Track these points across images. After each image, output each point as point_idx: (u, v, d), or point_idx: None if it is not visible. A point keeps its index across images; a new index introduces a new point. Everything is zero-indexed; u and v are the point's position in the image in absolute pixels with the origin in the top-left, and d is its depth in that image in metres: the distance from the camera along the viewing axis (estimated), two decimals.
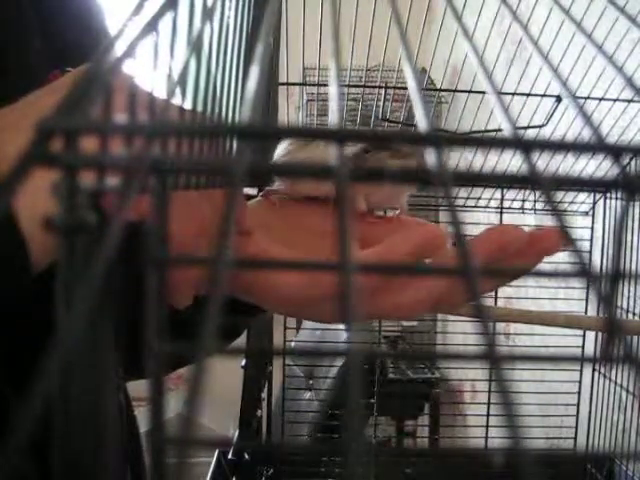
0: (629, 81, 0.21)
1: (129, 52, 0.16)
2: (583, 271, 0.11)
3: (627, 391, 1.19)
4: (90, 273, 0.10)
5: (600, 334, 1.28)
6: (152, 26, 0.18)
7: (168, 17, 0.19)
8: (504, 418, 0.08)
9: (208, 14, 0.23)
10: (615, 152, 0.13)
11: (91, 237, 0.14)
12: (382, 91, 1.09)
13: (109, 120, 0.14)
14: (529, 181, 0.12)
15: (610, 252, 1.25)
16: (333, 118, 0.13)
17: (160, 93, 0.19)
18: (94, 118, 0.14)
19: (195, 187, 0.25)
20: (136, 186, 0.12)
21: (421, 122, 0.14)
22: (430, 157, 0.13)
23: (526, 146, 0.13)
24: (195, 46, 0.21)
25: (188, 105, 0.24)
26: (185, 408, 0.08)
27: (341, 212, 0.11)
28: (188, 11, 0.23)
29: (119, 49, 0.16)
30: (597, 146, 0.14)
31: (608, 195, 1.26)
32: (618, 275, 0.13)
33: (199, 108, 0.26)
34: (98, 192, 0.14)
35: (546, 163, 1.13)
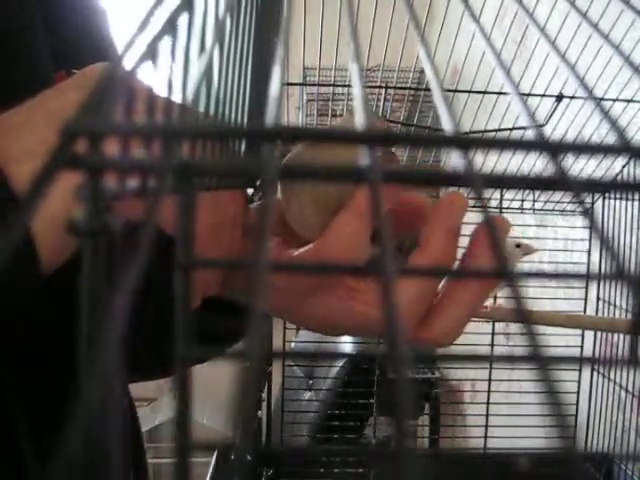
0: (636, 69, 0.21)
1: (148, 54, 0.16)
2: (619, 273, 0.11)
3: (626, 391, 1.19)
4: (124, 282, 0.10)
5: (599, 334, 1.29)
6: (169, 29, 0.18)
7: (184, 18, 0.19)
8: (553, 419, 0.08)
9: (219, 29, 0.23)
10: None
11: (114, 240, 0.14)
12: (382, 91, 1.09)
13: (132, 123, 0.14)
14: (558, 183, 0.12)
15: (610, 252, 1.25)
16: (360, 119, 0.13)
17: (175, 97, 0.19)
18: (116, 121, 0.14)
19: (210, 189, 0.25)
20: (163, 189, 0.12)
21: (446, 124, 0.14)
22: (457, 160, 0.13)
23: (554, 148, 0.13)
24: (210, 54, 0.21)
25: (202, 109, 0.24)
26: (234, 412, 0.08)
27: (376, 214, 0.11)
28: (202, 16, 0.23)
29: (136, 52, 0.16)
30: (623, 147, 0.14)
31: (607, 195, 1.26)
32: None
33: (212, 112, 0.26)
34: (120, 195, 0.14)
35: (545, 163, 1.12)
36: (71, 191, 0.13)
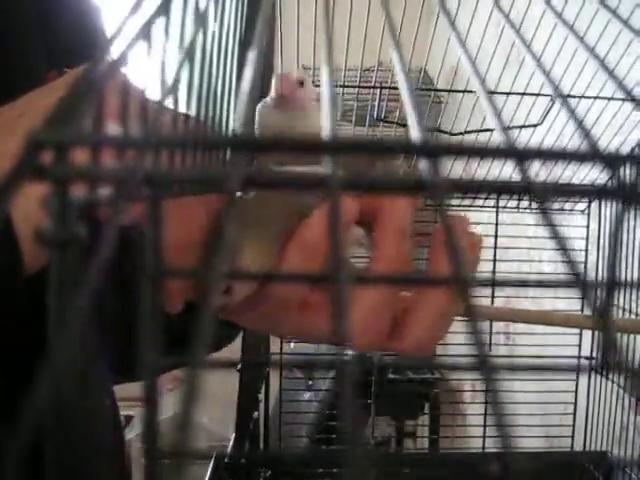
0: (620, 84, 0.21)
1: (121, 59, 0.16)
2: (577, 280, 0.11)
3: (625, 389, 1.19)
4: (82, 286, 0.10)
5: (598, 334, 1.29)
6: (144, 32, 0.18)
7: (160, 22, 0.19)
8: (497, 427, 0.08)
9: (200, 20, 0.23)
10: (609, 160, 0.13)
11: (82, 250, 0.14)
12: (377, 91, 1.09)
13: (101, 132, 0.14)
14: (525, 190, 0.12)
15: (607, 251, 1.25)
16: (325, 122, 0.13)
17: (153, 96, 0.19)
18: (85, 129, 0.14)
19: (189, 194, 0.25)
20: (128, 198, 0.12)
21: (414, 129, 0.14)
22: (424, 166, 0.13)
23: (520, 155, 0.13)
24: (188, 52, 0.21)
25: (182, 108, 0.24)
26: (179, 417, 0.08)
27: (333, 223, 0.11)
28: (181, 16, 0.23)
29: (112, 54, 0.16)
30: (590, 155, 0.14)
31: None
32: (614, 284, 0.13)
33: (193, 112, 0.26)
34: (89, 204, 0.14)
35: (540, 165, 1.12)
36: (38, 200, 0.13)
